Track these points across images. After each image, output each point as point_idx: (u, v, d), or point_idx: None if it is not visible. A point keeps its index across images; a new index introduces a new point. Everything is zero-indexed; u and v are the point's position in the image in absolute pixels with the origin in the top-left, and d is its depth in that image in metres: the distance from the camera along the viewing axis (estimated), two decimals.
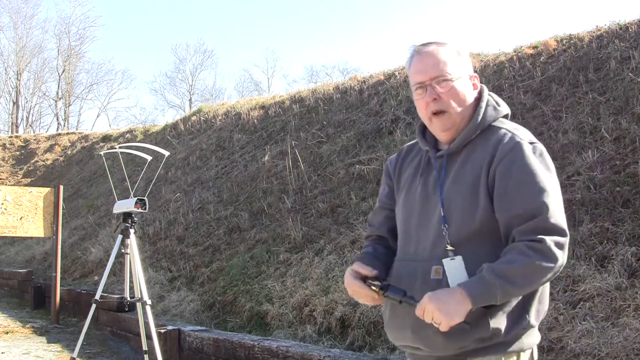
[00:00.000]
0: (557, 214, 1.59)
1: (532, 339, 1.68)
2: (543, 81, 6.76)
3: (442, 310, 1.53)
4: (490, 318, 1.60)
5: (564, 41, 7.32)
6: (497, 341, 1.62)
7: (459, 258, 1.63)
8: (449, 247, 1.65)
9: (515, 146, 1.64)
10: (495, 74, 7.52)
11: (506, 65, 7.54)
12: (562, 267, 1.60)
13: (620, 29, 6.76)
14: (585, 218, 4.55)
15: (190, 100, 41.02)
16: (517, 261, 1.54)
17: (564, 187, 4.99)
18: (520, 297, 1.63)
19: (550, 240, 1.55)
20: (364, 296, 1.73)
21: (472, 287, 1.54)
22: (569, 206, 4.79)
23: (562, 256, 1.57)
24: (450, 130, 1.74)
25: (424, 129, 1.86)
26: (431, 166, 1.78)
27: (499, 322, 1.61)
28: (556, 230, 1.57)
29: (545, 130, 5.87)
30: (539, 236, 1.55)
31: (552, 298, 4.06)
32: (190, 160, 11.82)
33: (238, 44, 62.05)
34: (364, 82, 10.37)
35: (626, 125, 5.20)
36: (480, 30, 55.52)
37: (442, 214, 1.67)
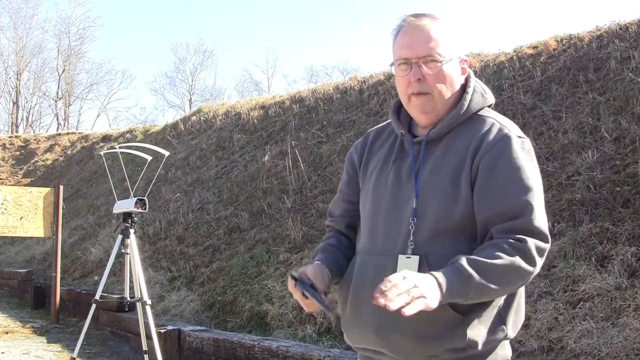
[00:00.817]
0: (541, 217, 1.47)
1: (505, 351, 1.56)
2: (543, 81, 6.76)
3: (422, 286, 1.31)
4: (467, 327, 1.46)
5: (564, 41, 7.32)
6: (471, 353, 1.48)
7: (415, 258, 1.48)
8: (410, 244, 1.50)
9: (504, 139, 1.52)
10: (495, 74, 7.52)
11: (506, 65, 7.54)
12: (533, 276, 1.50)
13: (620, 29, 6.76)
14: (585, 218, 4.55)
15: (190, 100, 41.03)
16: (497, 258, 1.40)
17: (564, 187, 5.00)
18: (497, 307, 1.51)
19: (532, 242, 1.43)
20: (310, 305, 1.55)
21: (444, 276, 1.36)
22: (569, 206, 4.79)
23: (540, 263, 1.46)
24: (429, 114, 1.58)
25: (398, 110, 1.70)
26: (406, 152, 1.61)
27: (477, 332, 1.48)
28: (539, 234, 1.45)
29: (545, 130, 5.87)
30: (522, 236, 1.43)
31: (552, 298, 4.06)
32: (190, 160, 11.82)
33: (238, 44, 62.09)
34: (364, 82, 10.37)
35: (626, 125, 5.20)
36: (480, 30, 55.54)
37: (414, 206, 1.52)
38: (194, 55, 48.30)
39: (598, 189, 4.75)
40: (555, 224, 4.69)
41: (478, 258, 1.41)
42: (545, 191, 5.76)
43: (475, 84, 1.65)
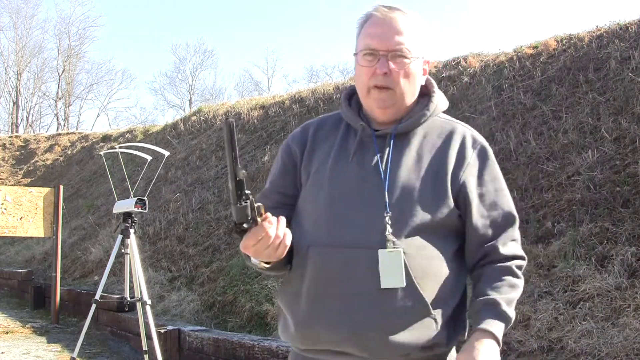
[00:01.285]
0: (518, 230, 1.60)
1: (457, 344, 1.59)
2: (543, 81, 6.76)
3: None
4: (439, 325, 1.47)
5: (564, 41, 7.32)
6: (438, 352, 1.50)
7: (398, 251, 1.44)
8: (391, 237, 1.45)
9: (484, 151, 1.57)
10: (495, 74, 7.52)
11: (506, 65, 7.54)
12: None
13: (620, 29, 6.76)
14: (585, 218, 4.55)
15: (190, 100, 41.01)
16: (516, 287, 1.53)
17: (564, 187, 5.01)
18: (457, 301, 1.53)
19: (521, 263, 1.58)
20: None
21: (499, 329, 1.45)
22: (569, 206, 4.79)
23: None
24: (387, 110, 1.54)
25: (349, 101, 1.65)
26: (365, 145, 1.55)
27: (445, 330, 1.48)
28: (522, 257, 1.59)
29: (545, 130, 5.87)
30: (521, 255, 1.57)
31: (552, 298, 4.06)
32: (190, 160, 11.82)
33: (238, 44, 62.11)
34: None
35: (626, 125, 5.20)
36: (480, 30, 55.55)
37: (388, 200, 1.47)
38: (194, 55, 48.24)
39: (598, 189, 4.75)
40: (555, 224, 4.69)
41: (509, 296, 1.50)
42: (546, 191, 5.78)
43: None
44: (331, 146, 1.59)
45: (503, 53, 8.08)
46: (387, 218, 1.46)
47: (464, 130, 1.59)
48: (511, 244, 1.56)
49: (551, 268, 4.33)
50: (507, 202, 1.57)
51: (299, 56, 64.19)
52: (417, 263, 1.46)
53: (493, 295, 1.47)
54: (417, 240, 1.47)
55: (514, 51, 7.91)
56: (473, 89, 7.46)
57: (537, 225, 4.81)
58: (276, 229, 1.36)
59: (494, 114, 6.63)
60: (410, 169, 1.51)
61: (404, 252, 1.45)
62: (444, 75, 8.16)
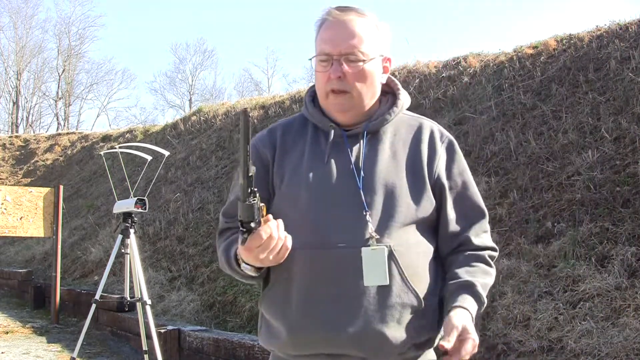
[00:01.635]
0: (488, 226, 1.64)
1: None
2: (543, 81, 6.76)
3: (473, 339, 1.41)
4: (430, 320, 1.49)
5: (564, 41, 7.31)
6: (427, 349, 1.52)
7: (382, 248, 1.43)
8: (374, 235, 1.44)
9: (452, 144, 1.61)
10: (495, 74, 7.52)
11: (506, 65, 7.54)
12: None
13: (620, 29, 6.76)
14: (585, 218, 4.55)
15: (190, 100, 41.00)
16: (490, 274, 1.56)
17: (564, 187, 5.01)
18: (437, 299, 1.54)
19: (493, 253, 1.60)
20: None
21: (473, 308, 1.47)
22: (569, 206, 4.79)
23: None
24: (347, 113, 1.55)
25: (313, 102, 1.64)
26: (337, 145, 1.54)
27: (432, 327, 1.50)
28: (494, 248, 1.61)
29: (545, 130, 5.87)
30: (492, 246, 1.59)
31: (552, 298, 4.06)
32: (190, 160, 11.82)
33: (238, 44, 62.11)
34: None
35: (626, 125, 5.20)
36: (480, 30, 55.54)
37: (365, 199, 1.47)
38: (194, 55, 48.12)
39: (598, 189, 4.75)
40: (555, 224, 4.69)
41: (484, 280, 1.53)
42: (546, 191, 5.78)
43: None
44: (302, 149, 1.58)
45: (503, 53, 8.07)
46: (367, 216, 1.45)
47: (431, 125, 1.62)
48: (483, 235, 1.59)
49: (551, 268, 4.33)
50: (476, 195, 1.60)
51: (299, 56, 64.22)
52: (408, 260, 1.46)
53: (468, 277, 1.50)
54: (405, 236, 1.48)
55: (514, 51, 7.91)
56: (473, 89, 7.45)
57: (537, 225, 4.81)
58: (278, 231, 1.35)
59: (494, 114, 6.63)
60: (387, 165, 1.52)
61: (394, 250, 1.45)
62: (444, 75, 8.15)
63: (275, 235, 1.34)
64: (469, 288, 1.49)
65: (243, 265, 1.43)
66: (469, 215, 1.58)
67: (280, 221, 1.37)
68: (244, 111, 1.34)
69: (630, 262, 3.99)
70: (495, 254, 1.60)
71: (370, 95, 1.56)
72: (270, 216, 1.35)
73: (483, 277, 1.53)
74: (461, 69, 8.09)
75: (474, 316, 1.45)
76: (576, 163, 5.13)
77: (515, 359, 3.79)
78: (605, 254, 4.18)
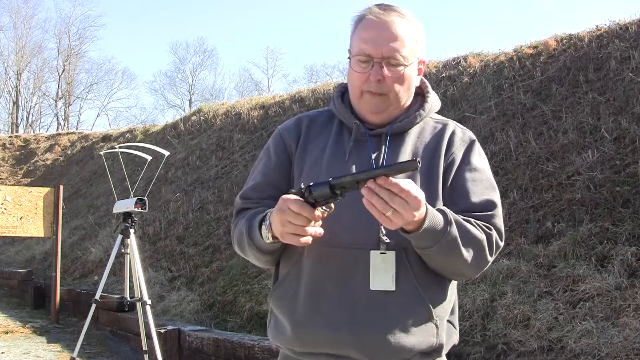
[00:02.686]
0: (502, 216, 1.50)
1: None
2: (543, 81, 6.75)
3: (417, 193, 1.28)
4: (437, 330, 1.44)
5: (564, 41, 7.31)
6: (435, 357, 1.48)
7: (391, 254, 1.41)
8: (384, 239, 1.42)
9: (471, 145, 1.55)
10: (495, 74, 7.51)
11: (506, 65, 7.54)
12: (480, 272, 1.49)
13: (620, 29, 6.76)
14: (585, 218, 4.55)
15: (190, 100, 41.03)
16: (473, 227, 1.41)
17: (564, 187, 5.00)
18: (452, 306, 1.49)
19: (495, 234, 1.45)
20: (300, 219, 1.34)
21: (432, 210, 1.35)
22: (569, 206, 4.79)
23: (493, 258, 1.46)
24: (380, 114, 1.52)
25: (342, 98, 1.61)
26: (360, 143, 1.53)
27: (444, 336, 1.46)
28: (499, 231, 1.47)
29: (545, 130, 5.87)
30: (490, 225, 1.45)
31: (552, 298, 4.06)
32: (190, 160, 11.82)
33: (238, 44, 62.11)
34: None
35: (626, 125, 5.20)
36: (480, 30, 55.54)
37: None
38: (194, 55, 48.26)
39: (598, 189, 4.75)
40: (555, 224, 4.69)
41: (460, 218, 1.40)
42: (546, 191, 5.78)
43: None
44: (325, 143, 1.56)
45: (503, 53, 8.07)
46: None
47: (454, 127, 1.58)
48: (480, 219, 1.47)
49: (551, 268, 4.33)
50: (485, 190, 1.50)
51: (299, 56, 64.22)
52: (418, 266, 1.43)
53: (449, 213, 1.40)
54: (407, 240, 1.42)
55: (514, 51, 7.91)
56: (473, 89, 7.45)
57: (537, 225, 4.81)
58: (317, 224, 1.37)
59: (494, 114, 6.63)
60: None
61: (406, 255, 1.43)
62: (444, 75, 8.15)
63: (316, 226, 1.36)
64: (437, 208, 1.40)
65: (263, 230, 1.42)
66: (480, 204, 1.48)
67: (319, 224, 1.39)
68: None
69: (630, 262, 3.99)
70: (501, 243, 1.48)
71: (406, 98, 1.54)
72: (325, 214, 1.37)
73: (471, 228, 1.40)
74: (461, 69, 8.08)
75: (429, 209, 1.33)
76: (576, 163, 5.13)
77: (515, 359, 3.79)
78: (605, 254, 4.18)
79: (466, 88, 7.55)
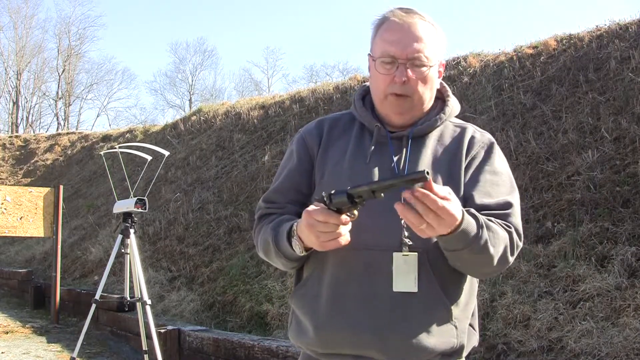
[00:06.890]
0: (520, 218, 1.50)
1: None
2: (543, 81, 6.76)
3: (454, 210, 1.26)
4: (458, 332, 1.46)
5: (564, 41, 7.32)
6: (456, 358, 1.48)
7: (413, 256, 1.42)
8: (406, 241, 1.43)
9: (490, 148, 1.55)
10: (495, 74, 7.52)
11: (506, 65, 7.54)
12: (501, 270, 1.48)
13: (620, 29, 6.76)
14: (585, 218, 4.55)
15: (190, 100, 41.03)
16: (500, 227, 1.41)
17: (564, 187, 5.00)
18: (472, 309, 1.50)
19: (515, 234, 1.45)
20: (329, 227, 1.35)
21: (465, 213, 1.34)
22: (569, 206, 4.79)
23: (513, 258, 1.46)
24: (404, 116, 1.53)
25: (362, 101, 1.63)
26: (381, 146, 1.54)
27: (464, 338, 1.47)
28: (518, 232, 1.47)
29: (545, 130, 5.87)
30: (508, 224, 1.45)
31: (552, 298, 4.06)
32: (190, 160, 11.82)
33: (238, 44, 62.10)
34: (364, 81, 10.35)
35: (626, 125, 5.20)
36: (480, 30, 55.54)
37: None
38: (194, 55, 48.15)
39: (598, 189, 4.75)
40: (555, 224, 4.69)
41: (485, 218, 1.39)
42: (545, 191, 5.78)
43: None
44: (346, 146, 1.57)
45: (503, 53, 8.08)
46: (402, 220, 1.40)
47: (473, 130, 1.59)
48: (499, 216, 1.46)
49: (551, 268, 4.33)
50: (504, 191, 1.50)
51: (299, 56, 64.22)
52: (440, 268, 1.44)
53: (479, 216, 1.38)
54: (432, 242, 1.43)
55: (514, 51, 7.91)
56: (473, 89, 7.45)
57: (537, 225, 4.81)
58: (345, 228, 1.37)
59: (494, 114, 6.63)
60: (430, 170, 1.47)
61: (428, 257, 1.43)
62: (443, 75, 8.14)
63: (344, 229, 1.36)
64: (474, 214, 1.39)
65: (293, 241, 1.44)
66: (498, 204, 1.48)
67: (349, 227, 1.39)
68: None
69: (630, 262, 3.99)
70: (520, 243, 1.47)
71: (428, 100, 1.56)
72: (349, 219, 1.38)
73: (498, 229, 1.39)
74: (461, 69, 8.09)
75: (465, 213, 1.33)
76: (576, 163, 5.13)
77: (515, 359, 3.79)
78: (605, 254, 4.18)
79: (466, 88, 7.55)
